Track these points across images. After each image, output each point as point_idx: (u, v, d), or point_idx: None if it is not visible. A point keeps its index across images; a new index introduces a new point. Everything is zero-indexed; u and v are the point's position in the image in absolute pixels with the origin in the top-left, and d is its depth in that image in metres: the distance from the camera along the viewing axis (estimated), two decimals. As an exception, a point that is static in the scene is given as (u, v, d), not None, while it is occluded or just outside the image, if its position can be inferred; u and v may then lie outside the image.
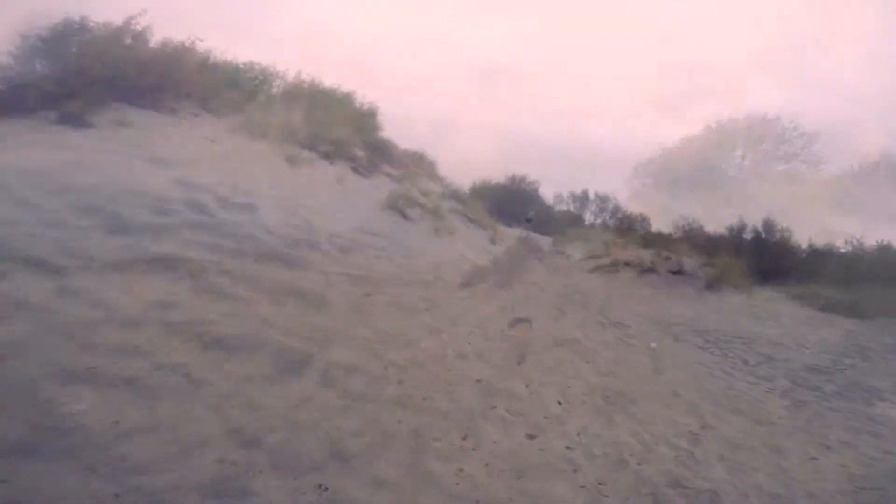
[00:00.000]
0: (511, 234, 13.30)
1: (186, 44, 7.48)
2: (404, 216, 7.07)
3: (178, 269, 3.33)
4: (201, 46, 7.81)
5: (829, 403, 4.78)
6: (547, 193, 23.93)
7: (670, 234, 18.73)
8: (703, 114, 49.08)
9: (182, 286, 3.19)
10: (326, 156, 7.35)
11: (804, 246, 16.63)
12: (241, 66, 8.71)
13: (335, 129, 7.81)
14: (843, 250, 15.89)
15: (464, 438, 2.83)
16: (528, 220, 10.54)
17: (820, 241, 16.48)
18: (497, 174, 22.25)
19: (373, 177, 7.83)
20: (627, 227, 22.08)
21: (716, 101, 49.35)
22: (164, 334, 2.75)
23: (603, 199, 25.06)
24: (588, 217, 24.66)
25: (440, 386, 3.33)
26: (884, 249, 15.76)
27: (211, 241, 3.87)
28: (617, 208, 24.40)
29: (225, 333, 2.91)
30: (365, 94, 9.98)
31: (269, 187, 5.39)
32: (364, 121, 9.21)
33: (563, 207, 24.79)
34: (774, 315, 8.58)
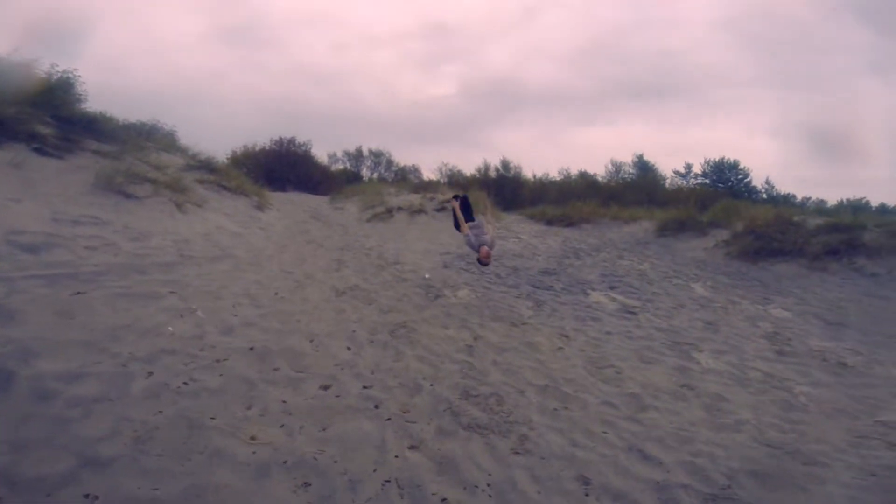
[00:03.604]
0: (283, 199, 12.53)
1: None
2: (126, 195, 5.77)
3: None
4: None
5: (560, 299, 6.02)
6: (320, 153, 23.41)
7: (438, 181, 20.88)
8: (452, 72, 55.26)
9: None
10: (-13, 138, 5.25)
11: (531, 177, 21.31)
12: None
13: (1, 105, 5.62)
14: (557, 179, 21.00)
15: (248, 408, 2.63)
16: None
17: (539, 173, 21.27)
18: (265, 140, 20.67)
19: (71, 157, 5.99)
20: (402, 178, 23.57)
21: (463, 62, 56.07)
22: None
23: (377, 155, 25.78)
24: (365, 173, 25.15)
25: (203, 365, 2.95)
26: (582, 175, 21.45)
27: None
28: (390, 162, 25.62)
29: None
30: (57, 63, 7.67)
31: None
32: (54, 94, 6.99)
33: (339, 166, 24.66)
34: (515, 233, 10.50)
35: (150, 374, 2.74)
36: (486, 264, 5.13)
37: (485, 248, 4.94)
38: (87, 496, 1.85)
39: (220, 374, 2.90)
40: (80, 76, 7.96)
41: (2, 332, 2.71)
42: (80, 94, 7.90)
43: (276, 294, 4.63)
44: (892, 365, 4.31)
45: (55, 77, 7.61)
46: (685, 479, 2.49)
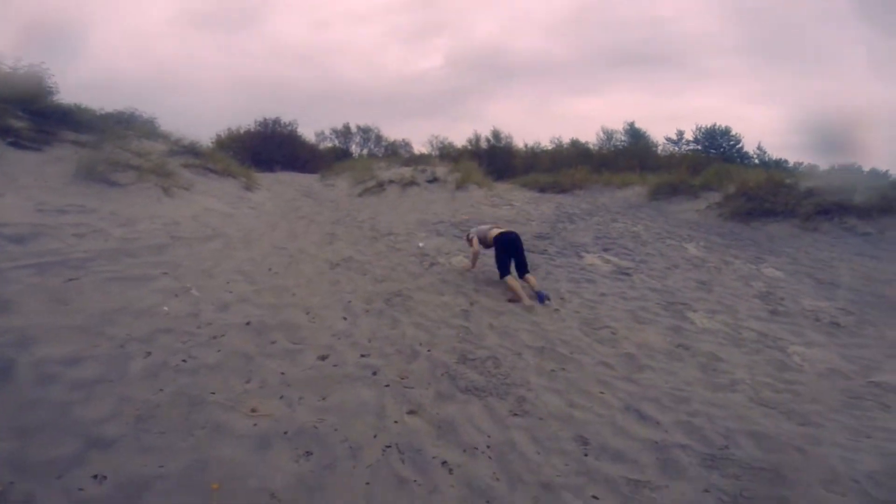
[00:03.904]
0: (272, 179, 12.34)
1: None
2: (110, 183, 5.75)
3: None
4: None
5: (555, 262, 6.01)
6: (308, 132, 23.04)
7: (429, 154, 20.72)
8: (439, 45, 53.91)
9: None
10: (-40, 134, 5.21)
11: (522, 146, 21.16)
12: None
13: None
14: (548, 147, 20.84)
15: (247, 382, 2.62)
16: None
17: (531, 142, 21.15)
18: (251, 122, 20.23)
19: (49, 149, 5.96)
20: (393, 152, 23.31)
21: (450, 34, 54.63)
22: None
23: (365, 131, 25.36)
24: (354, 149, 24.81)
25: (200, 342, 2.94)
26: (574, 143, 21.26)
27: None
28: (379, 137, 25.24)
29: None
30: (22, 56, 7.42)
31: None
32: (24, 87, 6.86)
33: (328, 144, 24.31)
34: (508, 201, 10.41)
35: (149, 353, 2.73)
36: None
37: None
38: (95, 476, 1.85)
39: (218, 350, 2.89)
40: (48, 69, 7.77)
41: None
42: (51, 87, 7.70)
43: (269, 270, 4.59)
44: (884, 325, 4.35)
45: (21, 71, 7.40)
46: (683, 440, 2.51)
